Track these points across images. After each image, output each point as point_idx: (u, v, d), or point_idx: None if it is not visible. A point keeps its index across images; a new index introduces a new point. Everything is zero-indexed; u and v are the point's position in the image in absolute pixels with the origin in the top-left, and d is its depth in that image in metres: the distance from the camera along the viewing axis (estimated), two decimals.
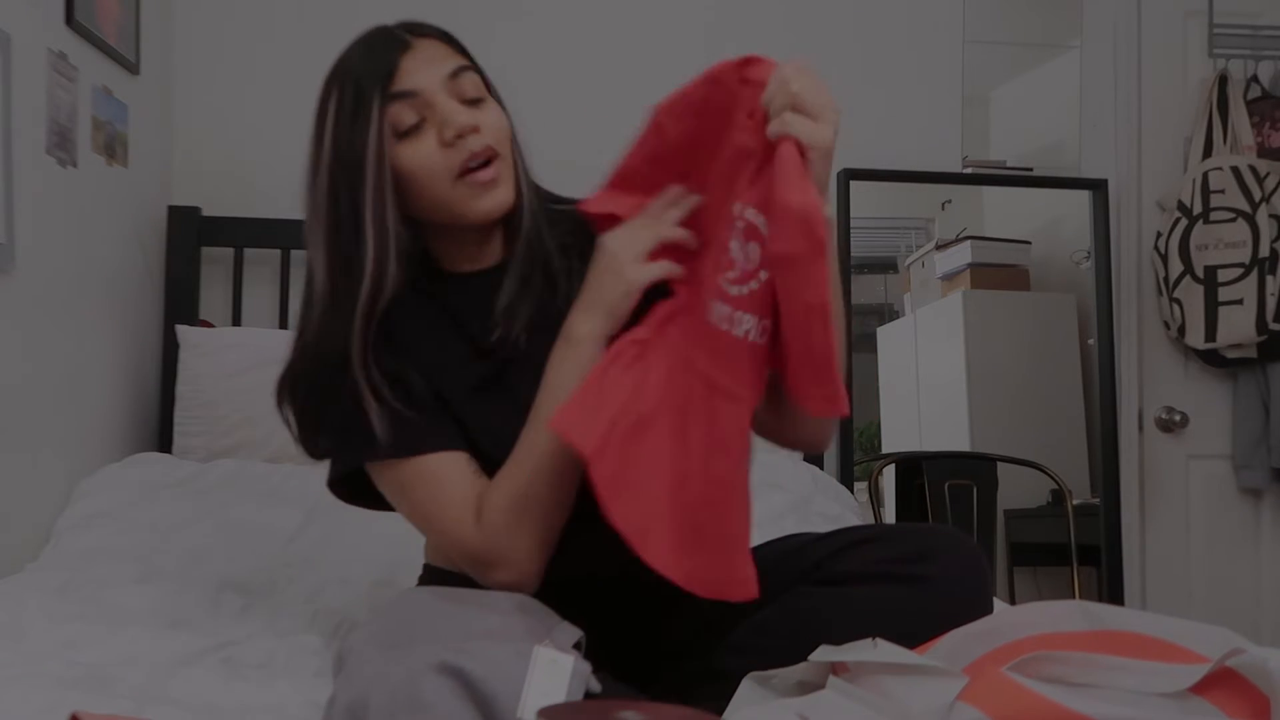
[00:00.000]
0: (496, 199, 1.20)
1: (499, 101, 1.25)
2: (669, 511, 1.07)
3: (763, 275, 1.07)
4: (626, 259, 1.16)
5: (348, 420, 1.19)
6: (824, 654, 1.02)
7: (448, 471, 1.19)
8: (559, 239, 1.27)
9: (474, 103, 1.19)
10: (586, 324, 1.16)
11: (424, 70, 1.17)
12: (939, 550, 1.14)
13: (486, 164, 1.18)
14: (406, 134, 1.17)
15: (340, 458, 1.25)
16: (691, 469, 1.08)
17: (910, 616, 1.08)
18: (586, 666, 1.01)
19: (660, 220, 1.17)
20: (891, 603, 1.11)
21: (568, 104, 2.52)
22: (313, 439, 1.27)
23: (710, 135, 1.14)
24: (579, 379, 1.12)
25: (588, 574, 1.24)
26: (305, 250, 1.25)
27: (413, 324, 1.24)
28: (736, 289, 1.08)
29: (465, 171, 1.17)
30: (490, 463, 1.21)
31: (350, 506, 1.34)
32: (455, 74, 1.18)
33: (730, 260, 1.09)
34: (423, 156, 1.17)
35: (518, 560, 1.16)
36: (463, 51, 1.23)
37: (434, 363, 1.23)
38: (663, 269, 1.16)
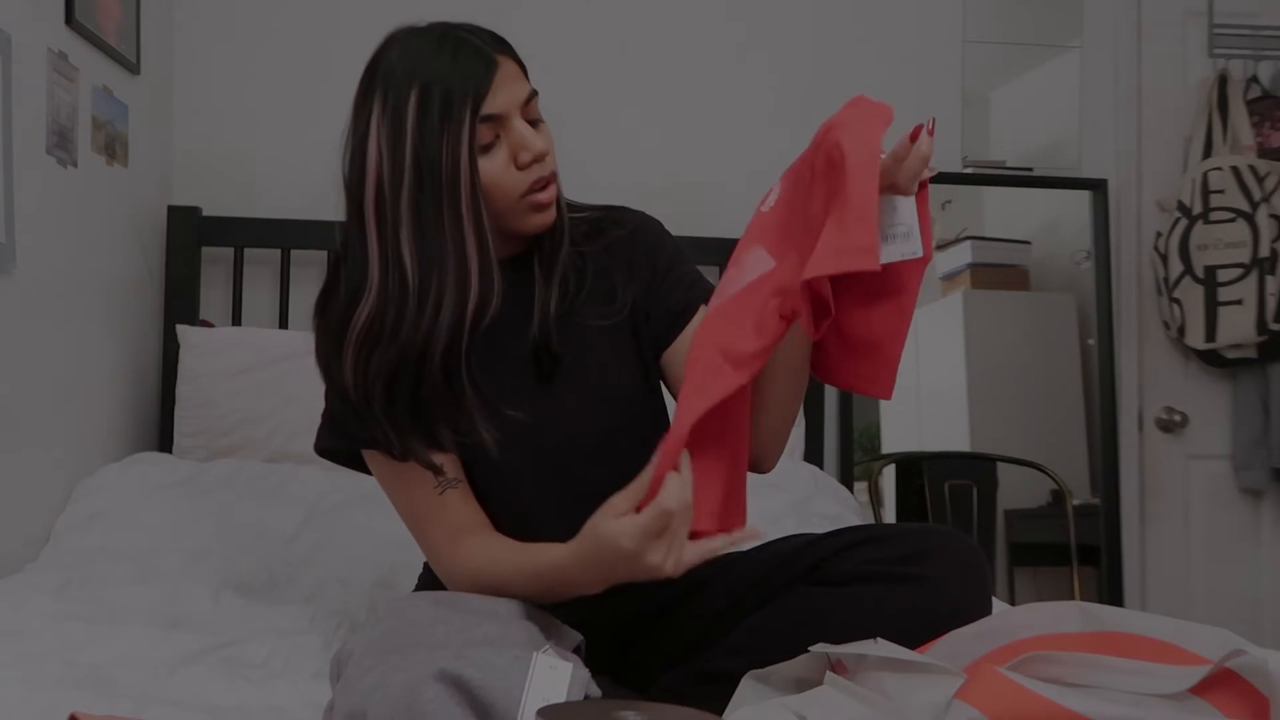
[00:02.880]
0: (548, 218, 1.26)
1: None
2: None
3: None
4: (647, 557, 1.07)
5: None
6: (822, 649, 1.02)
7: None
8: (575, 244, 1.34)
9: (535, 124, 1.24)
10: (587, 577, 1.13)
11: (507, 92, 1.20)
12: (938, 550, 1.14)
13: (545, 187, 1.24)
14: (481, 150, 1.20)
15: (349, 429, 1.26)
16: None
17: (910, 617, 1.08)
18: (586, 673, 1.01)
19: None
20: (891, 603, 1.11)
21: (564, 104, 2.51)
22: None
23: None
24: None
25: None
26: (343, 226, 1.29)
27: None
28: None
29: (529, 191, 1.22)
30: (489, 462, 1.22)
31: (348, 510, 1.35)
32: (529, 99, 1.23)
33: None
34: (496, 174, 1.20)
35: (469, 588, 1.21)
36: (526, 71, 1.27)
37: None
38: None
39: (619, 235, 1.35)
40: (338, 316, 1.23)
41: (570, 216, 1.33)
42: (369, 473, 1.31)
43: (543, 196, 1.23)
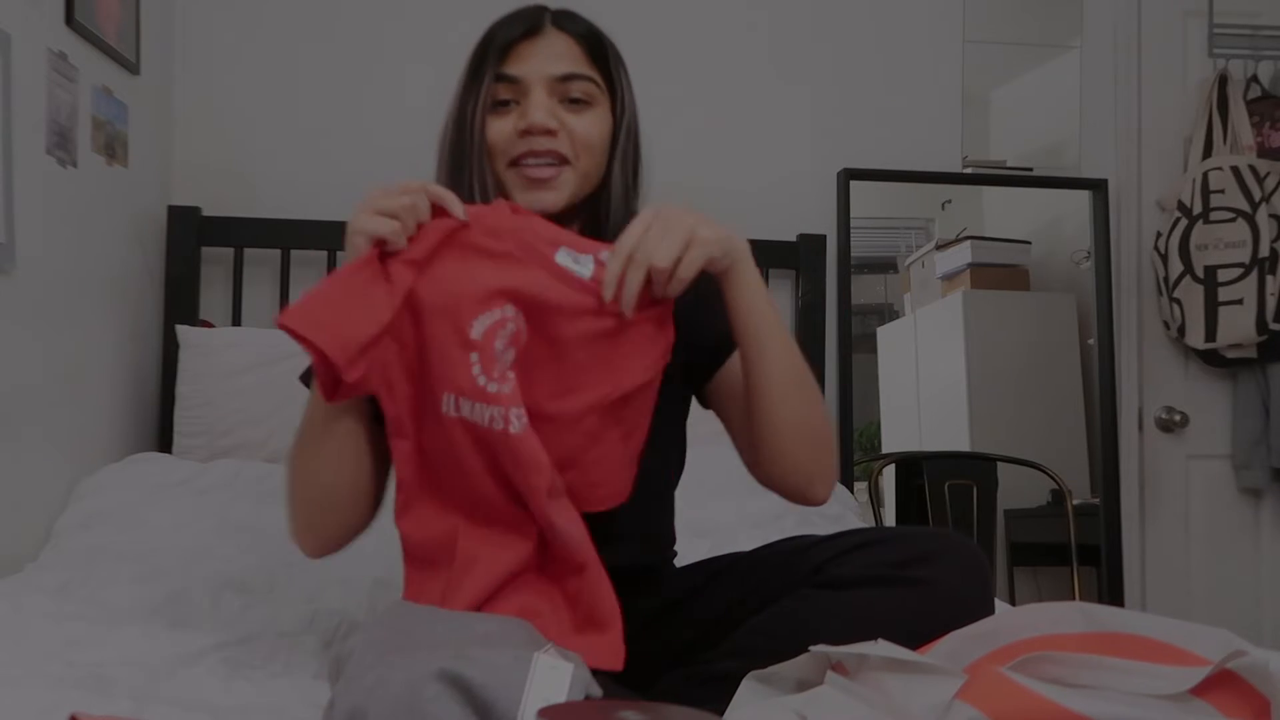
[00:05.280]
0: (542, 199, 1.24)
1: (624, 118, 1.28)
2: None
3: (513, 375, 1.13)
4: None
5: None
6: (823, 649, 1.02)
7: None
8: None
9: (575, 104, 1.24)
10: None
11: (535, 60, 1.23)
12: (941, 554, 1.13)
13: (543, 165, 1.23)
14: (496, 107, 1.23)
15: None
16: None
17: (912, 621, 1.07)
18: (587, 673, 1.00)
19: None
20: (894, 607, 1.10)
21: None
22: None
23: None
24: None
25: None
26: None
27: None
28: (501, 387, 1.12)
29: (519, 160, 1.23)
30: None
31: None
32: (567, 78, 1.23)
33: (491, 361, 1.12)
34: (496, 134, 1.23)
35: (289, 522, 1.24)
36: (594, 58, 1.27)
37: None
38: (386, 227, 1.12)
39: None
40: None
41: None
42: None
43: (535, 171, 1.23)
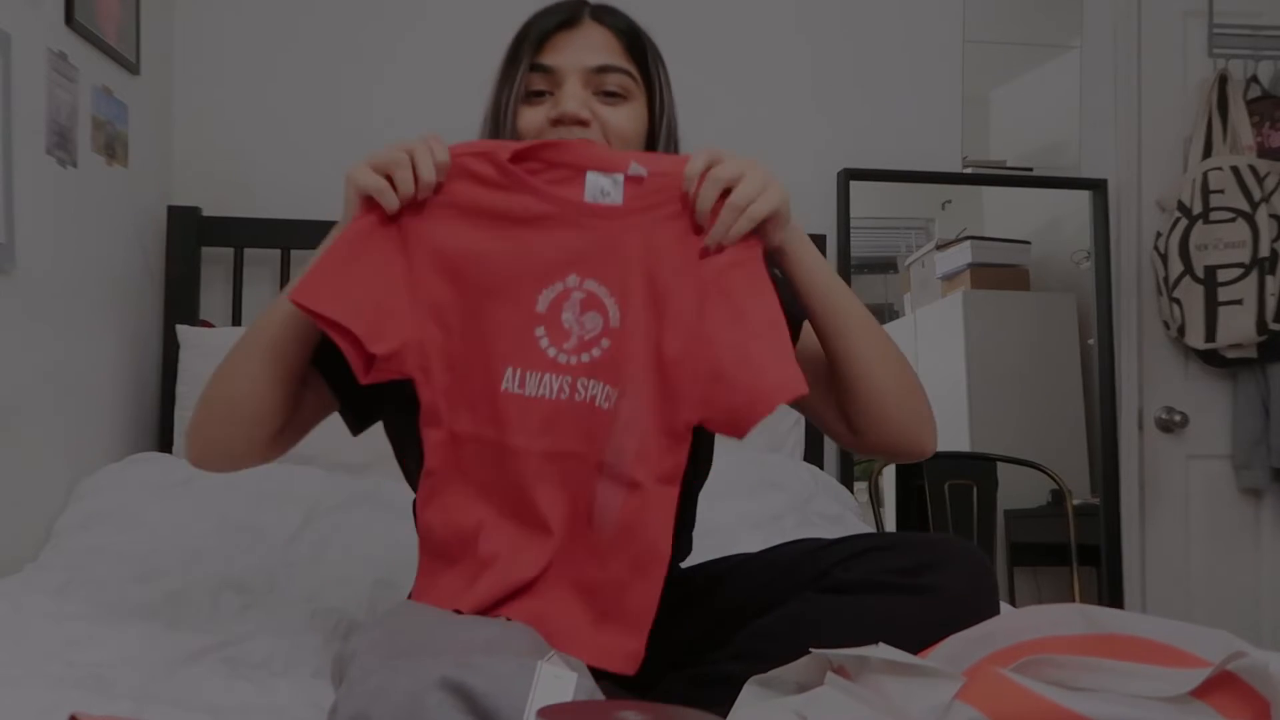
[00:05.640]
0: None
1: (663, 114, 1.28)
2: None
3: (604, 343, 1.12)
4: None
5: None
6: (824, 652, 1.02)
7: None
8: None
9: (610, 97, 1.23)
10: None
11: (570, 51, 1.22)
12: (947, 561, 1.12)
13: None
14: (530, 97, 1.23)
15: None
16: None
17: (917, 627, 1.06)
18: (591, 682, 1.00)
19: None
20: (899, 613, 1.09)
21: None
22: None
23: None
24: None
25: None
26: None
27: None
28: (576, 357, 1.11)
29: None
30: None
31: (348, 510, 1.35)
32: (602, 69, 1.23)
33: (565, 331, 1.12)
34: (527, 121, 1.23)
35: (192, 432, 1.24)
36: (631, 50, 1.26)
37: None
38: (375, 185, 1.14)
39: None
40: None
41: None
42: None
43: None
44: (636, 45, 1.28)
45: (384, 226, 1.14)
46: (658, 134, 1.28)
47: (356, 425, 1.34)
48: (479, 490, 1.16)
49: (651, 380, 1.12)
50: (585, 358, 1.12)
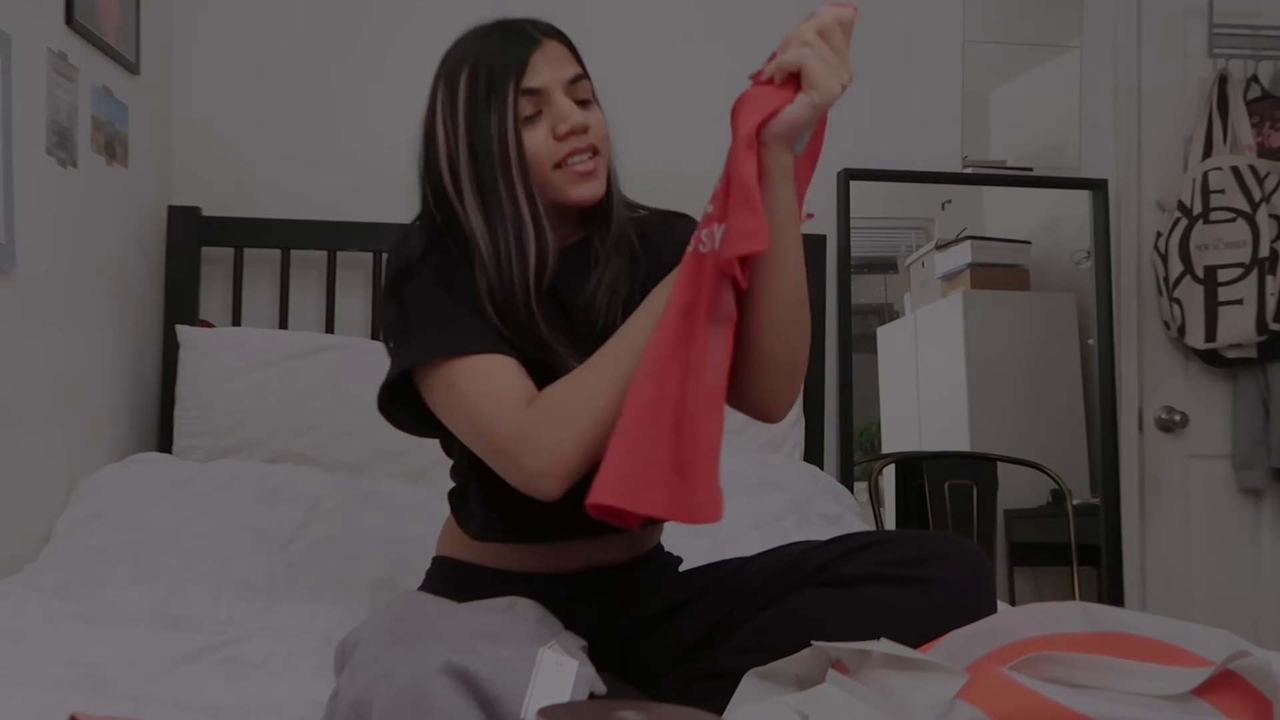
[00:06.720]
0: (591, 189, 1.28)
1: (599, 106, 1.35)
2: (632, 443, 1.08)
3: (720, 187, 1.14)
4: None
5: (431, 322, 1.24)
6: (823, 645, 1.02)
7: (499, 369, 1.21)
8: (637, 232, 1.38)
9: (584, 104, 1.30)
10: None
11: (549, 69, 1.27)
12: (945, 555, 1.14)
13: (587, 160, 1.27)
14: (524, 122, 1.27)
15: (401, 355, 1.27)
16: (665, 397, 1.09)
17: (915, 620, 1.08)
18: (591, 670, 1.01)
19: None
20: (898, 605, 1.10)
21: None
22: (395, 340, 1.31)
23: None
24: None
25: (594, 565, 1.25)
26: (427, 206, 1.34)
27: None
28: (710, 207, 1.14)
29: (564, 160, 1.26)
30: None
31: (348, 510, 1.34)
32: (574, 79, 1.29)
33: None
34: (536, 145, 1.26)
35: (557, 448, 1.15)
36: (578, 57, 1.33)
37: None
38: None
39: (671, 240, 1.34)
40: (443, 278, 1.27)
41: (632, 216, 1.38)
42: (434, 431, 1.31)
43: (581, 166, 1.27)
44: (575, 50, 1.34)
45: None
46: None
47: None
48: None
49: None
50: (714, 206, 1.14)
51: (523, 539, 1.32)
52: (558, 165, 1.26)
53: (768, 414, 1.27)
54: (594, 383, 1.16)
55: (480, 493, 1.32)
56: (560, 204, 1.29)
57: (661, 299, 1.16)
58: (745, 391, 1.23)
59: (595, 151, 1.28)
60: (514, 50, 1.27)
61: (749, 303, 1.17)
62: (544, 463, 1.14)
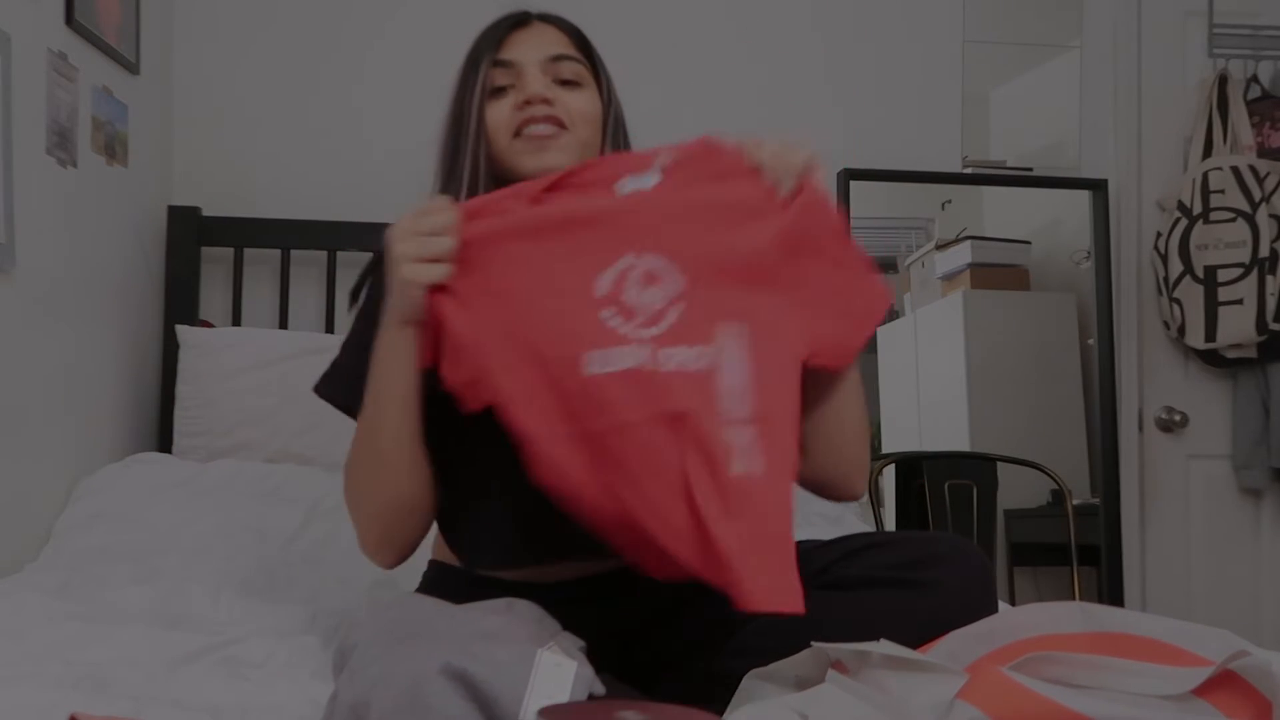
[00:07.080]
0: (545, 160, 1.25)
1: (611, 101, 1.34)
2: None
3: (680, 307, 1.10)
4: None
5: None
6: (823, 646, 1.02)
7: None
8: None
9: (568, 85, 1.29)
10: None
11: (526, 46, 1.29)
12: (946, 557, 1.14)
13: (544, 128, 1.26)
14: (494, 94, 1.28)
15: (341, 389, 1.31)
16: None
17: (916, 622, 1.07)
18: (590, 670, 1.01)
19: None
20: (899, 608, 1.10)
21: None
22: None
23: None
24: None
25: (589, 575, 1.24)
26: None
27: None
28: (649, 330, 1.10)
29: (521, 129, 1.26)
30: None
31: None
32: (557, 58, 1.29)
33: (630, 309, 1.10)
34: (496, 114, 1.27)
35: (362, 535, 1.26)
36: (581, 45, 1.33)
37: None
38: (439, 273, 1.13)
39: None
40: None
41: None
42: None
43: (536, 130, 1.25)
44: (583, 41, 1.34)
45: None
46: (607, 123, 1.33)
47: None
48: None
49: (742, 326, 1.11)
50: (662, 327, 1.10)
51: (512, 565, 1.31)
52: (516, 134, 1.26)
53: (848, 488, 1.30)
54: (362, 463, 1.23)
55: (470, 523, 1.32)
56: (523, 177, 1.25)
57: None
58: (823, 466, 1.28)
59: (560, 125, 1.26)
60: (497, 28, 1.30)
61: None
62: (361, 546, 1.28)
